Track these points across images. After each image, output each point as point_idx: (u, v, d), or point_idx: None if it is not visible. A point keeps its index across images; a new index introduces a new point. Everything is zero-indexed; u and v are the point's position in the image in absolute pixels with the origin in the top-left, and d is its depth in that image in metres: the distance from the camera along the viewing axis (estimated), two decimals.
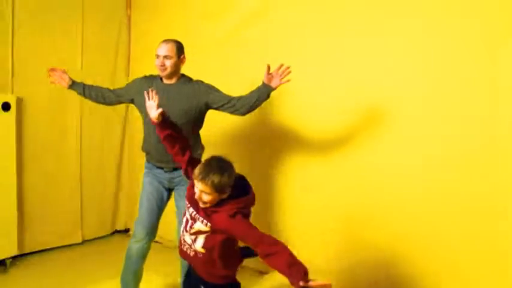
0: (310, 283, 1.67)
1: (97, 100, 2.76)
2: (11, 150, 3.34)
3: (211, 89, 2.55)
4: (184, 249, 1.98)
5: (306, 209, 3.17)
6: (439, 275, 2.57)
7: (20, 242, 3.47)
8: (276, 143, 3.26)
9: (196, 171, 1.81)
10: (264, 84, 2.44)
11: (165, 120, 2.14)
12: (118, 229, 4.36)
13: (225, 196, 1.84)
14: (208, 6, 3.55)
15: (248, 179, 2.01)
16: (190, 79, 2.61)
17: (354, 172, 2.90)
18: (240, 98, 2.50)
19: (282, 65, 2.38)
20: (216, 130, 3.39)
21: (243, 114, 2.53)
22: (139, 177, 3.99)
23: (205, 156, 2.06)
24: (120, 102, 2.78)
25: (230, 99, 2.50)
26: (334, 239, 3.00)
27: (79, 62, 3.77)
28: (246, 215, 1.88)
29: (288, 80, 2.40)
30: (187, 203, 1.95)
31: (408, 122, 2.67)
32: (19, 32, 3.37)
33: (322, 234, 3.06)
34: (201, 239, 1.90)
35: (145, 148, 2.70)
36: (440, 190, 2.56)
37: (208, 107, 2.56)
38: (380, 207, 2.79)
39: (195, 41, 3.40)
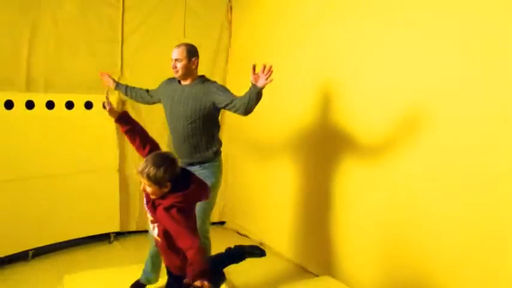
0: (196, 283, 1.84)
1: (136, 99, 3.11)
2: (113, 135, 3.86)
3: (218, 89, 2.67)
4: (154, 236, 2.15)
5: (352, 218, 3.06)
6: None
7: (123, 220, 3.99)
8: (326, 147, 3.23)
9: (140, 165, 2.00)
10: (252, 84, 2.50)
11: (123, 118, 2.31)
12: (214, 221, 4.60)
13: (166, 190, 1.98)
14: (306, 10, 3.54)
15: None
16: (205, 80, 2.76)
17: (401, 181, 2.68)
18: (236, 98, 2.60)
19: (265, 66, 2.44)
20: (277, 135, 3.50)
21: (243, 114, 2.60)
22: (238, 170, 4.27)
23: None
24: (154, 102, 3.02)
25: (232, 99, 2.60)
26: (377, 252, 2.83)
27: None
28: (184, 210, 1.98)
29: (271, 80, 2.44)
30: (145, 193, 2.10)
31: (458, 130, 2.37)
32: (129, 37, 3.90)
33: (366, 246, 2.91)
34: (156, 228, 2.08)
35: (171, 144, 2.91)
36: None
37: (215, 106, 2.67)
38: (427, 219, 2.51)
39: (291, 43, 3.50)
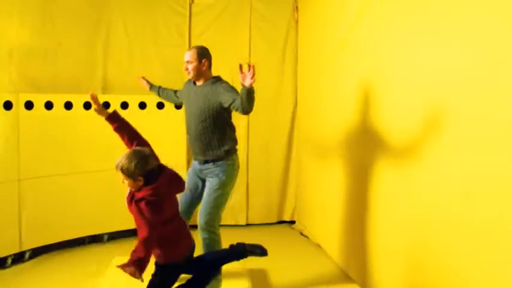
0: (125, 268, 2.06)
1: (167, 99, 3.35)
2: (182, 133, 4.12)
3: (225, 89, 2.74)
4: None
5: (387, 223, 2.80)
6: None
7: None
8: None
9: None
10: (241, 84, 2.55)
11: (112, 116, 2.42)
12: (284, 219, 4.64)
13: (140, 183, 2.14)
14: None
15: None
16: (217, 81, 2.82)
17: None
18: (237, 98, 2.64)
19: (249, 65, 2.50)
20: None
21: (242, 112, 2.65)
22: (306, 170, 4.25)
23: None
24: (181, 102, 3.18)
25: (235, 99, 2.65)
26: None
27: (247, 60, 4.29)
28: (154, 203, 2.10)
29: (253, 80, 2.47)
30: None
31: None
32: (195, 42, 4.18)
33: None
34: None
35: (188, 141, 3.07)
36: None
37: (222, 106, 2.74)
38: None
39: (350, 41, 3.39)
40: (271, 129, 4.51)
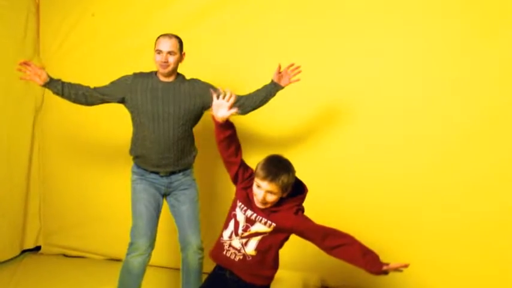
0: (390, 266, 1.74)
1: (76, 100, 2.48)
2: None
3: (211, 87, 2.49)
4: (228, 255, 1.92)
5: None
6: None
7: None
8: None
9: (262, 172, 1.78)
10: (273, 82, 2.51)
11: (228, 123, 1.95)
12: (27, 248, 3.76)
13: (285, 195, 1.84)
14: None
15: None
16: (184, 77, 2.54)
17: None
18: (243, 97, 2.51)
19: (292, 64, 2.50)
20: None
21: (246, 113, 2.54)
22: (53, 184, 3.58)
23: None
24: (104, 102, 2.52)
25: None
26: None
27: None
28: (303, 211, 1.91)
29: (298, 79, 2.51)
30: (241, 205, 1.89)
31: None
32: None
33: None
34: (254, 242, 1.87)
35: (138, 152, 2.52)
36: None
37: (207, 106, 2.48)
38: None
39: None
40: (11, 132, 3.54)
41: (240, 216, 1.88)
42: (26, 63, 2.35)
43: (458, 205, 2.85)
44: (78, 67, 3.48)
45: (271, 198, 1.80)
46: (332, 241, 1.81)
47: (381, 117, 2.96)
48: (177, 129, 2.44)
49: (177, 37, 2.44)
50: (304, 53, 2.96)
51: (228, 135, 1.90)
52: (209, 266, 2.42)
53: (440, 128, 2.86)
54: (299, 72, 2.53)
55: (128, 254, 2.44)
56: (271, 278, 1.96)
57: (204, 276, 2.22)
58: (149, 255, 2.44)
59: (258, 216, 1.85)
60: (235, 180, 1.97)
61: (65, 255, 3.71)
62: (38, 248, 3.79)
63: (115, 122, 3.36)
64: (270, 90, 2.52)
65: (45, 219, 3.77)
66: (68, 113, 3.55)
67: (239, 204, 1.90)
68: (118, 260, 3.55)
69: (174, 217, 2.59)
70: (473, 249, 2.84)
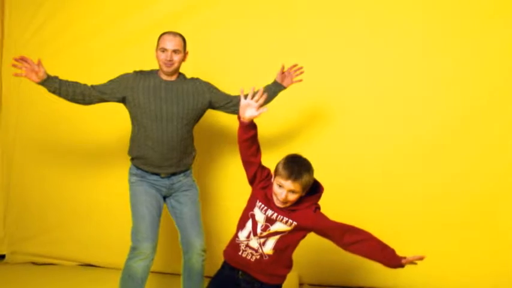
0: (408, 259, 1.80)
1: (74, 98, 2.34)
2: None
3: (212, 87, 2.48)
4: (243, 256, 1.92)
5: None
6: None
7: None
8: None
9: (285, 171, 1.79)
10: (276, 82, 2.52)
11: (252, 123, 1.95)
12: None
13: (303, 194, 1.85)
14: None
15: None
16: (185, 76, 2.48)
17: None
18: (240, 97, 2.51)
19: (295, 65, 2.54)
20: None
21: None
22: (18, 188, 3.38)
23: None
24: (103, 101, 2.40)
25: (232, 98, 2.49)
26: None
27: None
28: (320, 209, 1.93)
29: (300, 80, 2.55)
30: (261, 205, 1.89)
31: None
32: None
33: None
34: (272, 241, 1.88)
35: (139, 153, 2.41)
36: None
37: (209, 106, 2.47)
38: None
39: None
40: None
41: (260, 215, 1.88)
42: (22, 59, 2.19)
43: (443, 198, 2.97)
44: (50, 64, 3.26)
45: (293, 197, 1.81)
46: (350, 237, 1.84)
47: (368, 116, 3.03)
48: (180, 129, 2.38)
49: (181, 35, 2.37)
50: (292, 52, 2.96)
51: (252, 136, 1.90)
52: (209, 268, 2.43)
53: (428, 124, 2.97)
54: (301, 72, 2.56)
55: (129, 259, 2.33)
56: (285, 277, 1.97)
57: (206, 280, 2.22)
58: (153, 259, 2.35)
59: (279, 216, 1.85)
60: (252, 180, 1.97)
61: (34, 263, 3.48)
62: (2, 257, 3.54)
63: (80, 122, 3.25)
64: (274, 91, 2.52)
65: (9, 225, 3.52)
66: (30, 114, 3.39)
67: (259, 204, 1.89)
68: (92, 266, 3.42)
69: (175, 219, 2.50)
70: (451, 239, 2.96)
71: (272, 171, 1.90)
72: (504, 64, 2.85)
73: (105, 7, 3.26)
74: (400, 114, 3.00)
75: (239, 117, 1.89)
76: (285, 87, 2.55)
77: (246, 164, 1.96)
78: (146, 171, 2.40)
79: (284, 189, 1.79)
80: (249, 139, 1.89)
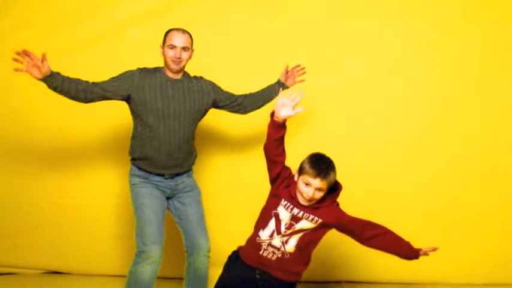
0: (423, 250, 1.93)
1: (75, 96, 2.19)
2: None
3: (215, 86, 2.46)
4: (264, 255, 1.95)
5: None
6: None
7: None
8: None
9: (313, 170, 1.84)
10: (279, 82, 2.56)
11: (284, 123, 1.97)
12: None
13: (326, 191, 1.91)
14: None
15: None
16: (189, 74, 2.41)
17: None
18: (247, 96, 2.53)
19: (299, 65, 2.58)
20: None
21: (247, 112, 2.55)
22: None
23: None
24: (105, 99, 2.27)
25: (236, 97, 2.49)
26: None
27: None
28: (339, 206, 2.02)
29: (303, 80, 2.57)
30: (286, 203, 1.92)
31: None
32: None
33: None
34: (294, 239, 1.93)
35: (142, 153, 2.31)
36: None
37: (213, 105, 2.44)
38: None
39: None
40: None
41: (285, 214, 1.92)
42: (25, 53, 2.00)
43: (442, 197, 3.00)
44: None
45: (319, 195, 1.86)
46: (370, 232, 1.94)
47: (357, 114, 2.99)
48: (187, 128, 2.31)
49: (188, 32, 2.31)
50: (281, 50, 2.92)
51: (282, 135, 1.93)
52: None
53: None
54: (304, 73, 2.59)
55: (136, 264, 2.24)
56: (301, 274, 2.03)
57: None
58: (160, 263, 2.26)
59: (305, 213, 1.90)
60: (275, 179, 1.99)
61: None
62: None
63: (43, 121, 3.03)
64: (277, 91, 2.49)
65: None
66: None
67: (284, 202, 1.93)
68: (58, 273, 3.22)
69: (178, 221, 2.42)
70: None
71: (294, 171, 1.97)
72: (484, 62, 2.92)
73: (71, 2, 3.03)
74: (388, 113, 2.99)
75: (272, 116, 1.90)
76: (287, 87, 2.56)
77: (272, 163, 1.98)
78: (149, 172, 2.32)
79: (311, 188, 1.84)
80: (279, 139, 1.92)
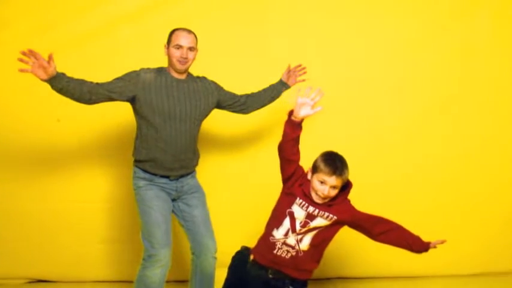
0: (433, 243, 1.99)
1: (80, 97, 2.10)
2: None
3: (219, 86, 2.45)
4: (278, 254, 1.96)
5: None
6: None
7: None
8: None
9: (329, 168, 1.86)
10: (281, 82, 2.59)
11: (300, 122, 1.97)
12: None
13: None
14: None
15: None
16: (193, 75, 2.40)
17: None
18: (249, 96, 2.54)
19: (300, 65, 2.61)
20: None
21: (249, 112, 2.55)
22: None
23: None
24: (110, 100, 2.20)
25: (239, 97, 2.49)
26: None
27: None
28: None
29: (304, 80, 2.57)
30: (302, 202, 1.93)
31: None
32: None
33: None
34: (308, 237, 1.94)
35: (148, 155, 2.26)
36: None
37: (218, 105, 2.44)
38: None
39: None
40: None
41: (300, 212, 1.93)
42: (31, 53, 1.90)
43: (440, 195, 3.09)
44: None
45: (334, 192, 1.89)
46: (381, 227, 1.97)
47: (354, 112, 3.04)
48: (193, 129, 2.30)
49: (193, 32, 2.29)
50: (277, 52, 2.94)
51: (299, 135, 1.94)
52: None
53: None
54: (304, 73, 2.61)
55: (145, 268, 2.20)
56: (313, 272, 2.04)
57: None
58: (169, 266, 2.24)
59: (321, 211, 1.91)
60: (289, 178, 1.99)
61: None
62: None
63: (29, 125, 2.91)
64: (279, 90, 2.57)
65: None
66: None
67: (299, 201, 1.93)
68: (43, 281, 3.10)
69: (183, 223, 2.38)
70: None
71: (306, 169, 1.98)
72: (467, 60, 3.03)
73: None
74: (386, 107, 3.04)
75: (290, 116, 1.91)
76: (289, 87, 2.60)
77: (286, 162, 1.98)
78: (155, 174, 2.27)
79: (326, 186, 1.86)
80: (295, 138, 1.93)
